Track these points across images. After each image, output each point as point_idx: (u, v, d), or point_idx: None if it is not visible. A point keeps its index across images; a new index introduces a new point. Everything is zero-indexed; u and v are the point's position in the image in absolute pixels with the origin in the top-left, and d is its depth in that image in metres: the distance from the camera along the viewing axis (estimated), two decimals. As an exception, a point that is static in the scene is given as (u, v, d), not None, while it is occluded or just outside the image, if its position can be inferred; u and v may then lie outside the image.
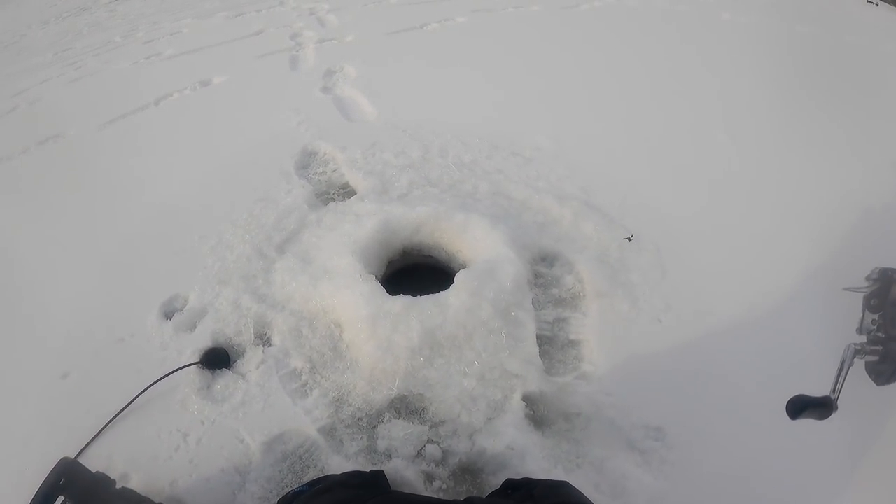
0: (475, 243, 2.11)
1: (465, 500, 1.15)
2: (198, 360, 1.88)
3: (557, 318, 2.03)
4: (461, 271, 1.95)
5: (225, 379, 1.85)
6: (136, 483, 1.60)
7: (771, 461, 1.61)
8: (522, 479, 1.37)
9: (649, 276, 2.14)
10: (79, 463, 1.40)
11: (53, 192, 2.84)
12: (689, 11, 4.48)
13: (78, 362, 1.93)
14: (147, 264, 2.29)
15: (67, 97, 3.96)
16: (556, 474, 1.58)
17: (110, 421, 1.74)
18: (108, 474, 1.58)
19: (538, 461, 1.60)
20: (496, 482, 1.58)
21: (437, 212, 2.21)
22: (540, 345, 1.89)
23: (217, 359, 1.89)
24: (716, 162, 2.72)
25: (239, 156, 2.89)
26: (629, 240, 2.19)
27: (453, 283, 1.92)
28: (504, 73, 3.57)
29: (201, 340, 1.95)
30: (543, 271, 2.17)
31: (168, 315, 2.07)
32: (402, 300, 1.85)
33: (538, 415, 1.76)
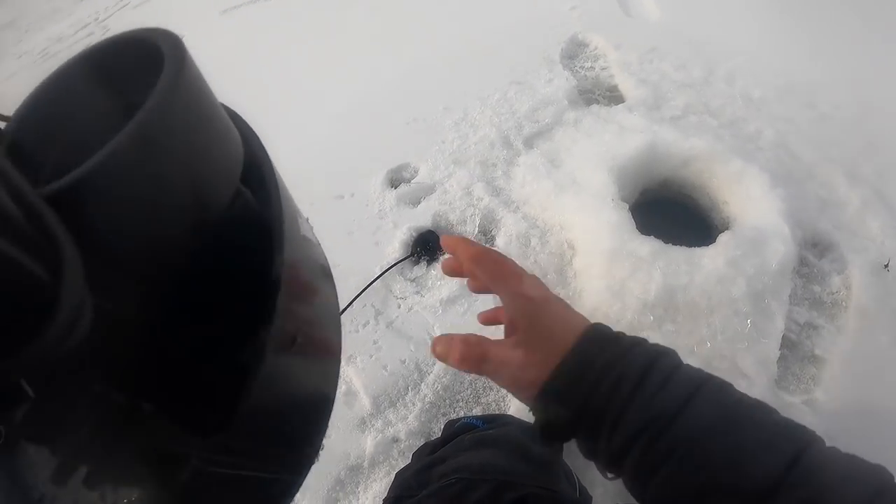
0: (747, 201, 1.78)
1: None
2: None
3: (808, 323, 1.69)
4: (725, 233, 1.66)
5: (436, 268, 1.79)
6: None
7: None
8: None
9: (927, 312, 1.69)
10: None
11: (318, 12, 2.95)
12: None
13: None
14: (382, 125, 2.25)
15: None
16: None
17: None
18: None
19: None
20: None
21: (714, 150, 1.86)
22: (780, 348, 1.60)
23: (426, 245, 1.82)
24: None
25: (498, 31, 2.66)
26: (886, 267, 1.75)
27: (714, 241, 1.65)
28: (815, 3, 2.90)
29: (422, 218, 1.90)
30: (811, 260, 1.80)
31: (394, 183, 2.03)
32: (651, 244, 1.61)
33: (745, 427, 1.52)
